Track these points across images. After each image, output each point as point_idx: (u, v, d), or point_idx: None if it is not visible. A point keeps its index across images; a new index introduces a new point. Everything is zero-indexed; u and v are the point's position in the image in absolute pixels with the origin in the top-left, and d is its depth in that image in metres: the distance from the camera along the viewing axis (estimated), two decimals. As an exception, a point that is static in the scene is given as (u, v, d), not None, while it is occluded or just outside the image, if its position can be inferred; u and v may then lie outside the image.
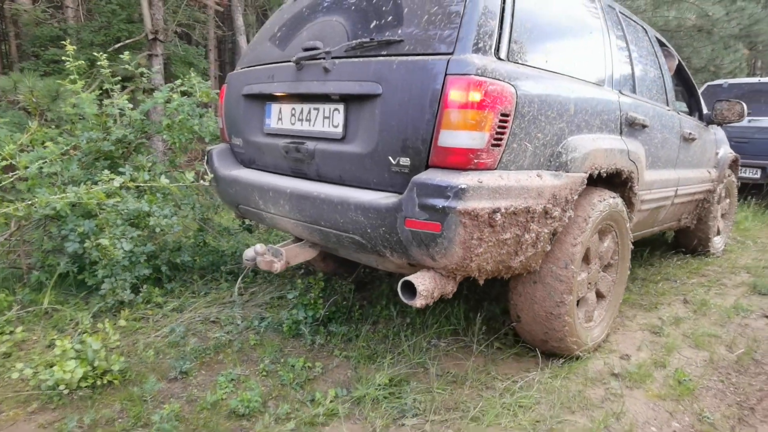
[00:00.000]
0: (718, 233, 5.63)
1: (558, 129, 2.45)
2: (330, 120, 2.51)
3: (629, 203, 3.20)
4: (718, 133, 5.19)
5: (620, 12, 3.47)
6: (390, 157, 2.25)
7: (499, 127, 2.12)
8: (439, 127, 2.09)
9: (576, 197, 2.55)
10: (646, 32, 3.90)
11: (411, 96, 2.16)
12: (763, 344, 3.27)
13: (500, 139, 2.14)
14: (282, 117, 2.79)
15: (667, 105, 3.91)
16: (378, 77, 2.26)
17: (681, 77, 4.70)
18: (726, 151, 5.24)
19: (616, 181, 3.07)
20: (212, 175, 3.20)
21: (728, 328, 3.52)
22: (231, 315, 3.31)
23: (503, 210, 2.15)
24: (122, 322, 3.03)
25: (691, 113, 4.74)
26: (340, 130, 2.46)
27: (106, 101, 3.55)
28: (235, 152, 3.25)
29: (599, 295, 3.12)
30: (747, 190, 8.24)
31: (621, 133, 3.04)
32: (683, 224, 4.86)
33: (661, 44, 4.16)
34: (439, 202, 2.03)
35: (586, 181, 2.61)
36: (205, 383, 2.60)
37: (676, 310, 3.84)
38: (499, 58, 2.21)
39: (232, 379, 2.59)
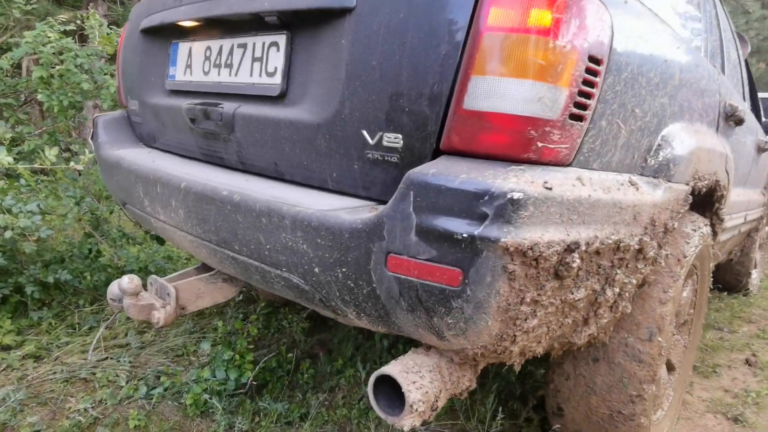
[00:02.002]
0: (755, 266, 4.72)
1: (659, 106, 1.40)
2: (262, 63, 1.41)
3: (713, 234, 2.18)
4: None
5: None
6: (364, 131, 1.17)
7: (585, 82, 1.06)
8: (467, 71, 1.02)
9: (676, 225, 1.51)
10: (723, 4, 2.91)
11: (411, 10, 1.09)
12: None
13: (584, 108, 1.08)
14: (192, 63, 1.68)
15: (744, 100, 2.92)
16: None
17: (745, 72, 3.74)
18: None
19: (699, 202, 2.04)
20: (93, 156, 2.07)
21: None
22: (114, 369, 2.17)
23: (584, 247, 1.08)
24: None
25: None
26: (277, 79, 1.36)
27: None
28: (132, 122, 2.13)
29: (669, 368, 2.08)
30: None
31: (717, 128, 2.01)
32: (730, 257, 3.90)
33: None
34: (464, 227, 0.95)
35: (690, 199, 1.57)
36: None
37: (741, 376, 2.84)
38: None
39: None
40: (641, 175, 1.38)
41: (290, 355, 2.33)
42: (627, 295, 1.39)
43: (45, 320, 2.50)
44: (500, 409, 1.97)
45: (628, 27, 1.19)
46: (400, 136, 1.12)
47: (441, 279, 0.99)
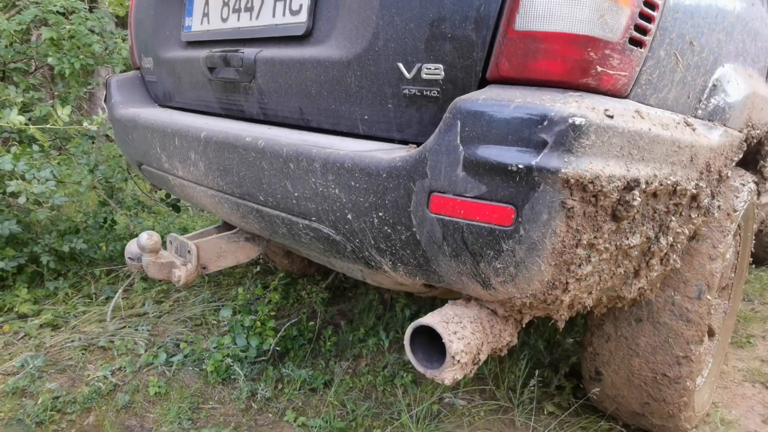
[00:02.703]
0: (784, 239, 4.58)
1: (715, 42, 1.28)
2: (286, 2, 1.31)
3: (757, 193, 2.06)
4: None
5: None
6: (400, 64, 1.08)
7: (646, 3, 0.95)
8: (518, -13, 0.91)
9: (729, 173, 1.41)
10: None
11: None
12: None
13: (644, 32, 0.97)
14: (209, 11, 1.59)
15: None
16: None
17: None
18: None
19: (744, 157, 1.93)
20: (107, 117, 1.99)
21: None
22: (132, 338, 2.12)
23: (643, 186, 0.99)
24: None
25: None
26: (303, 17, 1.27)
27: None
28: (146, 82, 2.04)
29: (710, 334, 1.98)
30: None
31: (767, 77, 1.88)
32: (760, 227, 3.77)
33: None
34: (519, 157, 0.86)
35: (744, 147, 1.47)
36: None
37: (777, 346, 2.74)
38: None
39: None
40: (695, 116, 1.27)
41: (311, 323, 2.27)
42: (679, 246, 1.29)
43: (61, 290, 2.46)
44: (531, 375, 1.89)
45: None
46: (441, 66, 1.02)
47: (491, 218, 0.90)
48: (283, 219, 1.25)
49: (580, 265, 1.00)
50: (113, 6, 2.44)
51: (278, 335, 2.04)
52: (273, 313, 2.14)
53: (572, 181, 0.86)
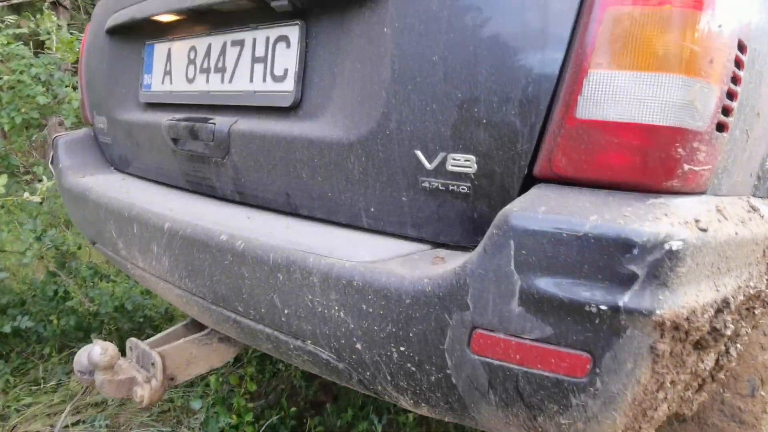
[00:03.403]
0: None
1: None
2: (267, 65, 1.09)
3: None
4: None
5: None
6: (419, 152, 0.85)
7: (732, 78, 0.76)
8: (580, 63, 0.71)
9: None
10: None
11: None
12: None
13: (728, 113, 0.78)
14: (172, 68, 1.35)
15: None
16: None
17: None
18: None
19: None
20: (54, 183, 1.71)
21: None
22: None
23: (732, 304, 0.78)
24: None
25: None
26: (288, 85, 1.04)
27: None
28: (100, 142, 1.78)
29: None
30: None
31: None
32: None
33: None
34: (599, 296, 0.63)
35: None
36: None
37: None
38: None
39: None
40: (754, 196, 1.09)
41: (293, 409, 1.99)
42: (741, 347, 1.09)
43: (1, 377, 2.12)
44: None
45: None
46: (472, 157, 0.80)
47: (558, 367, 0.68)
48: (268, 335, 1.00)
49: (656, 408, 0.78)
50: (62, 51, 2.17)
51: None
52: (251, 404, 1.86)
53: (668, 322, 0.64)
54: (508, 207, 0.69)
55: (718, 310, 0.76)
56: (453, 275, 0.72)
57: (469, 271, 0.70)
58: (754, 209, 1.00)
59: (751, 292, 0.89)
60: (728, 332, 0.77)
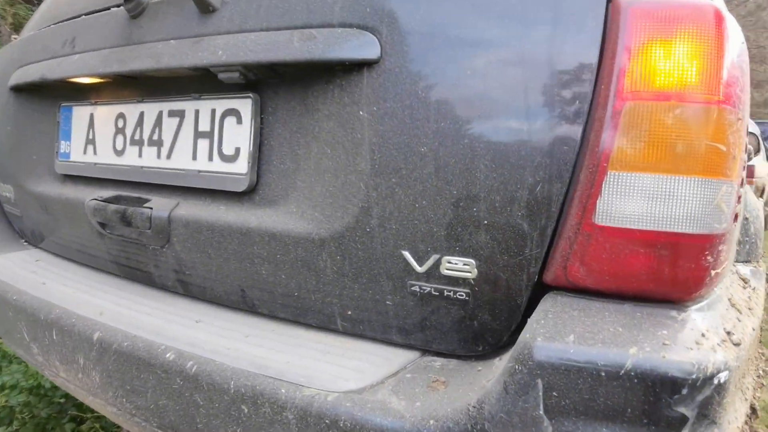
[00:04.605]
0: None
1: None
2: (213, 142, 0.93)
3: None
4: None
5: None
6: (407, 252, 0.73)
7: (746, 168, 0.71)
8: (598, 163, 0.62)
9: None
10: None
11: (489, 64, 0.67)
12: None
13: (739, 200, 0.72)
14: (96, 137, 1.16)
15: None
16: (374, 11, 0.74)
17: None
18: None
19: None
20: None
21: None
22: None
23: (758, 409, 0.71)
24: None
25: None
26: (241, 167, 0.89)
27: None
28: (5, 212, 1.53)
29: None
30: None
31: None
32: None
33: None
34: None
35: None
36: None
37: None
38: None
39: None
40: (736, 261, 1.06)
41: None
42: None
43: None
44: None
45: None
46: (472, 261, 0.69)
47: None
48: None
49: None
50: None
51: None
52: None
53: (721, 466, 0.56)
54: (528, 335, 0.58)
55: (746, 420, 0.69)
56: (467, 418, 0.60)
57: (488, 415, 0.58)
58: (746, 283, 0.96)
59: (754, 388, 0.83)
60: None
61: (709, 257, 0.62)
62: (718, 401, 0.55)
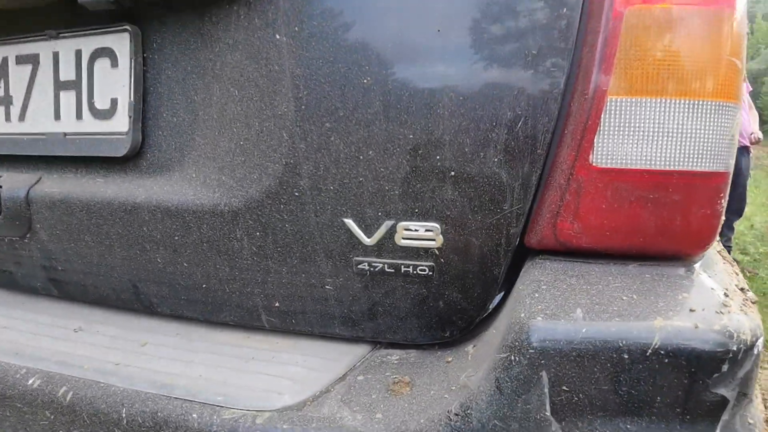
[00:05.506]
0: None
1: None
2: (81, 93, 0.71)
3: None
4: None
5: None
6: (349, 221, 0.57)
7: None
8: (598, 90, 0.48)
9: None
10: None
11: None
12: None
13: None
14: None
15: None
16: None
17: None
18: None
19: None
20: None
21: None
22: None
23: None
24: None
25: None
26: (120, 124, 0.68)
27: None
28: None
29: None
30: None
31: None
32: None
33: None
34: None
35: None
36: None
37: None
38: None
39: None
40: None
41: None
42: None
43: None
44: None
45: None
46: (436, 226, 0.54)
47: None
48: None
49: None
50: None
51: None
52: None
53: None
54: (524, 313, 0.44)
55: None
56: (449, 430, 0.45)
57: (477, 424, 0.44)
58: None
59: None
60: None
61: (723, 200, 0.51)
62: (753, 376, 0.44)
